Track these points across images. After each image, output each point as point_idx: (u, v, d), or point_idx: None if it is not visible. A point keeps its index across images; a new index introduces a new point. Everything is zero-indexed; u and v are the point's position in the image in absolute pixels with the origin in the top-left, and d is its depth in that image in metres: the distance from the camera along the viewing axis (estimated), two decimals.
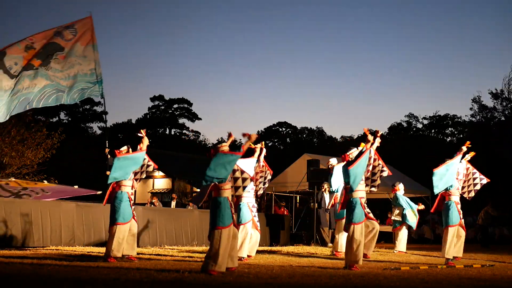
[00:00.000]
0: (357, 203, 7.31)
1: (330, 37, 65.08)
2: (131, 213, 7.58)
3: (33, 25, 66.98)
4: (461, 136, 39.44)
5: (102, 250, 8.23)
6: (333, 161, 10.62)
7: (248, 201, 8.80)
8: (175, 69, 67.48)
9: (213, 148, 6.41)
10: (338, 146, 40.49)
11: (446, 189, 8.43)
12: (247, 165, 8.57)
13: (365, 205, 7.56)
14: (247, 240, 8.67)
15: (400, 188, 12.05)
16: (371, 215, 8.41)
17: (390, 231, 17.93)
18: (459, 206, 8.46)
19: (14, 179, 11.56)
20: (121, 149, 7.81)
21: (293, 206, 19.58)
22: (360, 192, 7.41)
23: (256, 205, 9.18)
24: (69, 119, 43.62)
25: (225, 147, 6.36)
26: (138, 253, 8.11)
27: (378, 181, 7.95)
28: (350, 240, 7.16)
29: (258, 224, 9.03)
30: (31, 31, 64.59)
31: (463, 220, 8.52)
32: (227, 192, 6.28)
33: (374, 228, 9.15)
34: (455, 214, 8.37)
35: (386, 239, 18.21)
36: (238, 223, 8.20)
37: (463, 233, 8.48)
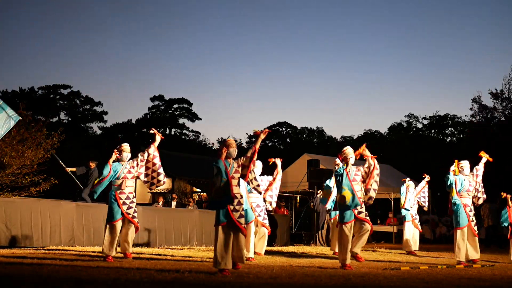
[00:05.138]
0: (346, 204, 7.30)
1: (330, 37, 65.13)
2: (118, 213, 7.84)
3: (32, 25, 66.99)
4: (461, 136, 39.44)
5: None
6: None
7: (252, 201, 8.86)
8: (175, 69, 67.51)
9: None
10: (338, 146, 40.54)
11: (459, 191, 8.47)
12: (263, 182, 9.01)
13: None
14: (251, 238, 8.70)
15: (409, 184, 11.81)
16: (362, 215, 7.64)
17: (391, 231, 17.98)
18: (467, 208, 8.43)
19: None
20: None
21: (293, 206, 19.58)
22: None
23: (262, 205, 9.23)
24: (69, 119, 43.64)
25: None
26: (138, 253, 8.14)
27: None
28: (339, 240, 7.26)
29: (264, 222, 9.23)
30: (28, 31, 64.55)
31: (473, 223, 8.46)
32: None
33: (363, 228, 8.75)
34: (463, 216, 8.38)
35: (386, 239, 18.20)
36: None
37: (473, 234, 8.42)
